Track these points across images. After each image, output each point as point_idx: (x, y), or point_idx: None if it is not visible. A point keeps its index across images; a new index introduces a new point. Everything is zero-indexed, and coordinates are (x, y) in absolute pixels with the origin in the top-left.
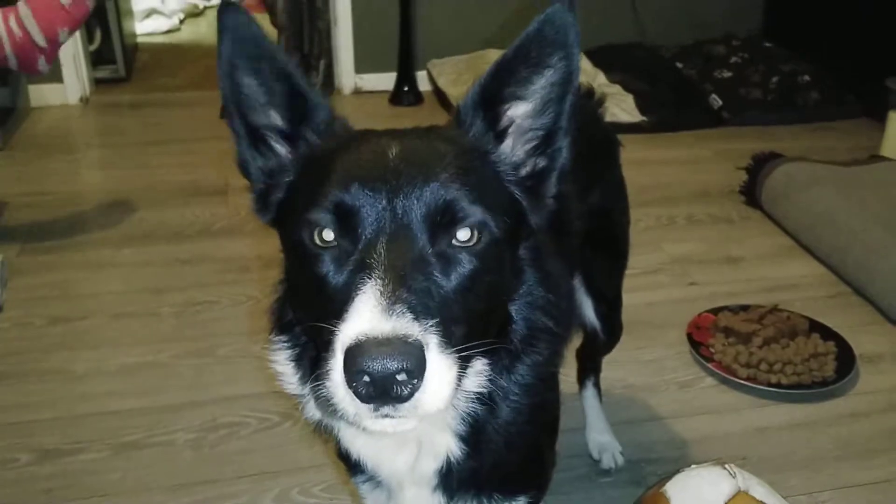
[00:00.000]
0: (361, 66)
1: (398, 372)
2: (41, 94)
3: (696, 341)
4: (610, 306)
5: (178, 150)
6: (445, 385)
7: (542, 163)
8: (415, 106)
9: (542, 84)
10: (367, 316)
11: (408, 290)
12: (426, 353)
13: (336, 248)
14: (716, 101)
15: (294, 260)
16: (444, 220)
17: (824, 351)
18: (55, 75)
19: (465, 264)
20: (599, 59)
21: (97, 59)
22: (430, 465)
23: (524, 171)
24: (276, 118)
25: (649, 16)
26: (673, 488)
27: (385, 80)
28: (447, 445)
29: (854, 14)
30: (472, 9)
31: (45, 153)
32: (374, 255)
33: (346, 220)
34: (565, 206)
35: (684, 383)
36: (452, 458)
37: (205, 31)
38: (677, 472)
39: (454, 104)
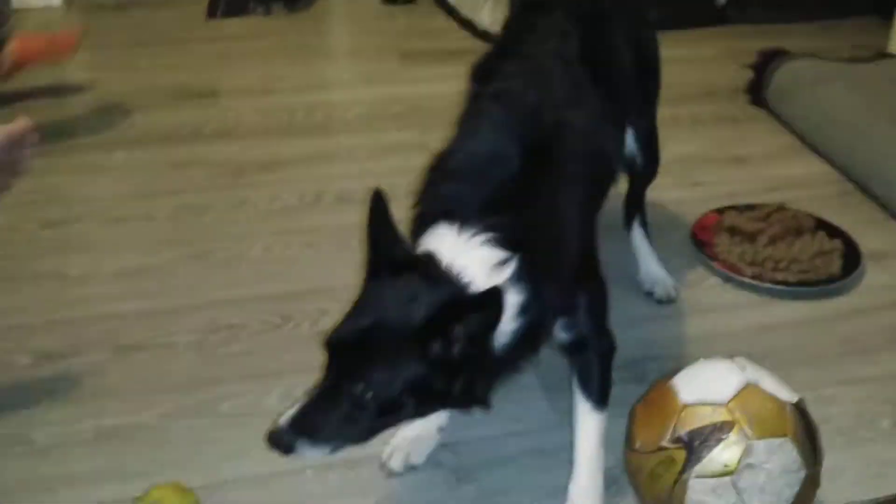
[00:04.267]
0: None
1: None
2: None
3: (701, 241)
4: (647, 134)
5: (166, 52)
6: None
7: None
8: (409, 4)
9: None
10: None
11: (304, 410)
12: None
13: None
14: None
15: None
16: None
17: (830, 248)
18: None
19: (358, 409)
20: None
21: None
22: None
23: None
24: None
25: None
26: (681, 381)
27: None
28: None
29: None
30: None
31: None
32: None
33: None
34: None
35: (689, 283)
36: None
37: None
38: (684, 367)
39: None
